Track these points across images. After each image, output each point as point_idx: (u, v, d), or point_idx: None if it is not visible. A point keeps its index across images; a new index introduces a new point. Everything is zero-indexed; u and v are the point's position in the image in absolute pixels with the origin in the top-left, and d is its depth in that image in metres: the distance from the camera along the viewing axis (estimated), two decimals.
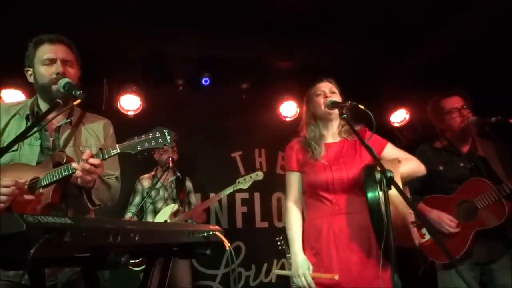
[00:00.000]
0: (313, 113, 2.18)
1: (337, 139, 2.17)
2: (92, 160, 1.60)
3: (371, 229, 1.92)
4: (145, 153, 1.64)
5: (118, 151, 1.62)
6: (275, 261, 4.36)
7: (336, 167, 2.03)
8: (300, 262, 1.97)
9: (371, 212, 1.81)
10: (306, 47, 4.07)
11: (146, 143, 1.61)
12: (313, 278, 1.92)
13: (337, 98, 2.10)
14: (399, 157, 2.03)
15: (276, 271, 2.14)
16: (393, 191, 1.63)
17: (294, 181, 2.15)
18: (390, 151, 2.11)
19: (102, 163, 1.65)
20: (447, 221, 2.40)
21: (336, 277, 1.85)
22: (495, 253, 2.34)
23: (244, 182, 3.56)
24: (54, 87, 1.76)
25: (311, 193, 2.08)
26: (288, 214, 2.12)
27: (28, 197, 1.62)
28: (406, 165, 2.02)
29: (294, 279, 1.99)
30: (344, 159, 2.06)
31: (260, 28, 3.68)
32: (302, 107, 2.34)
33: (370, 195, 1.82)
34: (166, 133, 1.63)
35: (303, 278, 1.92)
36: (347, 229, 1.95)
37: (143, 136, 1.63)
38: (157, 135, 1.63)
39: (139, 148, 1.61)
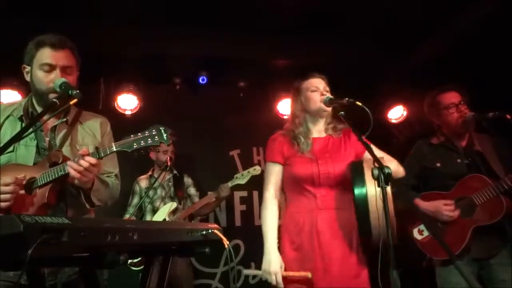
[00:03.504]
0: (304, 108, 2.15)
1: (323, 135, 2.16)
2: (88, 158, 1.58)
3: (354, 226, 1.94)
4: (142, 151, 1.62)
5: (114, 149, 1.61)
6: None
7: (323, 161, 2.02)
8: (273, 259, 1.92)
9: (357, 209, 1.82)
10: (304, 45, 4.07)
11: (142, 141, 1.60)
12: (286, 277, 1.89)
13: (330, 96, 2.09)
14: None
15: (245, 271, 2.10)
16: (374, 191, 1.65)
17: (275, 172, 2.10)
18: (369, 155, 2.11)
19: (98, 162, 1.63)
20: (444, 207, 2.39)
21: (309, 275, 1.81)
22: (493, 249, 2.34)
23: (242, 178, 3.56)
24: (51, 95, 1.71)
25: (294, 186, 2.05)
26: (265, 207, 2.05)
27: (21, 191, 1.62)
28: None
29: (264, 276, 1.93)
30: (330, 154, 2.06)
31: (257, 26, 3.67)
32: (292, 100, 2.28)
33: (357, 191, 1.83)
34: (162, 131, 1.62)
35: (273, 277, 1.88)
36: (331, 225, 1.95)
37: (139, 134, 1.62)
38: (153, 133, 1.61)
39: (135, 146, 1.60)
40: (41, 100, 1.80)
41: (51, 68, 1.74)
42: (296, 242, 1.96)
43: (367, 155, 2.10)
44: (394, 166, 2.06)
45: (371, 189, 1.79)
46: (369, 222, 1.78)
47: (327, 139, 2.15)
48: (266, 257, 1.95)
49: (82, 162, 1.57)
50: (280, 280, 1.87)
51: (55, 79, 1.73)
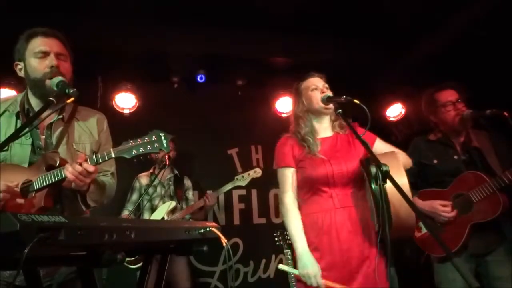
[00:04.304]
0: (307, 108, 2.15)
1: (330, 133, 2.16)
2: (85, 166, 1.56)
3: (370, 222, 1.95)
4: (141, 157, 1.60)
5: (113, 155, 1.59)
6: (273, 257, 4.38)
7: (335, 161, 2.02)
8: (310, 262, 1.90)
9: (378, 203, 1.81)
10: (303, 44, 4.07)
11: (141, 148, 1.58)
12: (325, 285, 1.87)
13: (330, 93, 2.10)
14: (387, 150, 2.04)
15: (281, 266, 2.10)
16: (398, 180, 1.64)
17: (290, 176, 2.10)
18: (379, 145, 2.12)
19: (96, 168, 1.62)
20: (441, 208, 2.40)
21: None
22: (491, 246, 2.35)
23: (243, 179, 3.62)
24: (47, 82, 1.69)
25: (309, 188, 2.05)
26: (287, 211, 2.05)
27: (19, 200, 1.59)
28: None
29: (303, 279, 1.92)
30: (340, 153, 2.06)
31: (255, 24, 3.67)
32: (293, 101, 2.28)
33: (375, 185, 1.82)
34: (162, 137, 1.59)
35: (313, 279, 1.86)
36: (348, 223, 1.95)
37: (138, 140, 1.59)
38: (153, 139, 1.59)
39: (134, 152, 1.57)
40: (37, 90, 1.78)
41: (45, 54, 1.74)
42: (315, 242, 1.97)
43: (377, 147, 2.10)
44: (403, 158, 2.07)
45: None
46: (390, 215, 1.77)
47: (335, 137, 2.15)
48: (302, 261, 1.93)
49: (79, 168, 1.56)
50: (320, 281, 1.86)
51: (50, 64, 1.72)
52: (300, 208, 2.08)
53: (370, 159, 1.93)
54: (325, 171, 2.00)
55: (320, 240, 1.96)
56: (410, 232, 1.86)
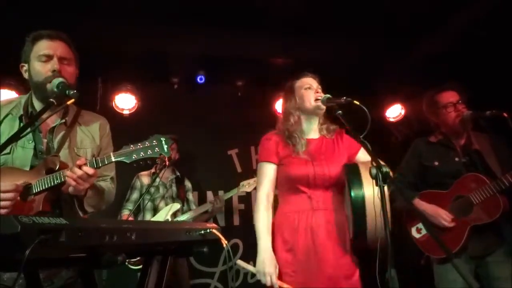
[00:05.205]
0: (298, 106, 2.12)
1: (316, 135, 2.15)
2: (85, 169, 1.55)
3: (346, 227, 1.96)
4: (141, 162, 1.59)
5: (113, 159, 1.58)
6: None
7: (318, 162, 2.02)
8: (268, 260, 1.90)
9: (354, 211, 1.81)
10: (302, 44, 4.07)
11: (141, 152, 1.57)
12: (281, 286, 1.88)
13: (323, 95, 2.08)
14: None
15: (239, 262, 2.04)
16: (370, 193, 1.67)
17: (269, 172, 2.07)
18: (362, 156, 2.11)
19: (95, 172, 1.61)
20: (443, 216, 2.41)
21: None
22: (490, 248, 2.35)
23: (249, 186, 3.74)
24: (49, 85, 1.68)
25: (289, 186, 2.04)
26: (259, 208, 2.03)
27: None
28: None
29: (257, 276, 1.92)
30: (325, 155, 2.06)
31: (255, 25, 3.66)
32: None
33: (354, 194, 1.81)
34: (163, 142, 1.58)
35: (268, 278, 1.86)
36: (325, 225, 1.95)
37: (139, 144, 1.58)
38: (153, 144, 1.58)
39: (134, 157, 1.56)
40: (39, 93, 1.77)
41: (48, 58, 1.73)
42: (290, 242, 1.96)
43: (359, 157, 2.11)
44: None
45: (368, 191, 1.78)
46: (365, 224, 1.77)
47: (321, 140, 2.14)
48: (260, 257, 1.93)
49: (79, 172, 1.55)
50: (274, 281, 1.86)
51: (52, 68, 1.71)
52: (278, 206, 2.07)
53: (356, 164, 1.95)
54: (306, 171, 1.99)
55: (295, 241, 1.95)
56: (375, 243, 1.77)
